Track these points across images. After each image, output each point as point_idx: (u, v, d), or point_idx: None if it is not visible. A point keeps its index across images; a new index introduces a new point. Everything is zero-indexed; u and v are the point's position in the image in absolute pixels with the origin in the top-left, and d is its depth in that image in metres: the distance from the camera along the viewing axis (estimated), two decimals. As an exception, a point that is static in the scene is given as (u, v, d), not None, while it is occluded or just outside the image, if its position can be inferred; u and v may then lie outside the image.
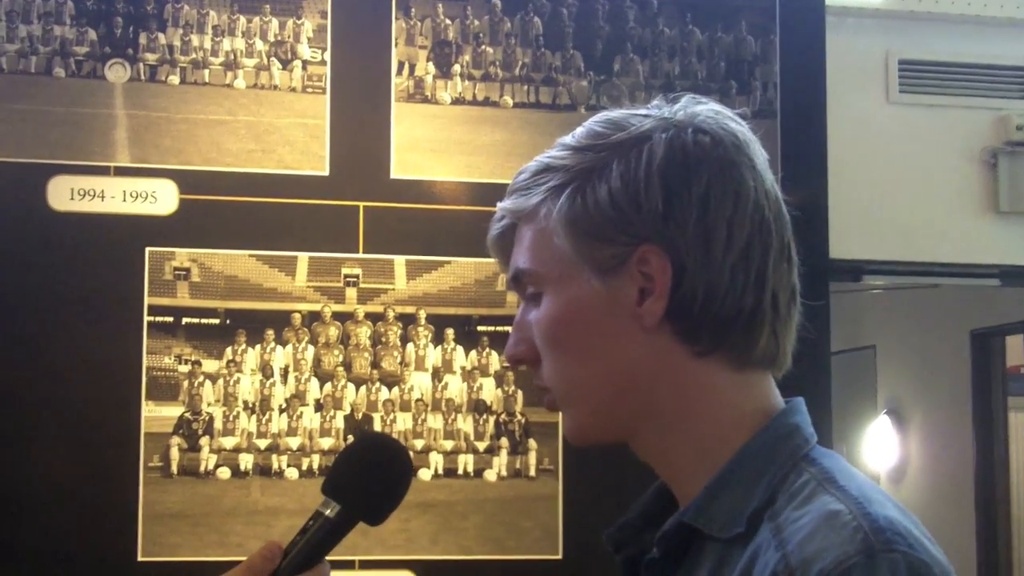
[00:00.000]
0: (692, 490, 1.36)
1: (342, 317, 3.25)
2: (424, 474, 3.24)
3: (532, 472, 3.29)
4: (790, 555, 1.21)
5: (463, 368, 3.29)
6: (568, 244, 1.35)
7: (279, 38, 3.28)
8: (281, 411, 3.21)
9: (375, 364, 3.26)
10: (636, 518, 1.46)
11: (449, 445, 3.27)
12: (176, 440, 3.14)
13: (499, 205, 1.43)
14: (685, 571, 1.34)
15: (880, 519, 1.20)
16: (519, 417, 3.29)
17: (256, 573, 1.42)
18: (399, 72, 3.33)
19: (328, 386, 3.23)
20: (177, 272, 3.16)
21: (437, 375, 3.28)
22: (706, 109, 1.39)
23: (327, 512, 1.43)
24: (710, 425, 1.36)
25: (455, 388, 3.29)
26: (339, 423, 3.22)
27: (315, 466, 3.19)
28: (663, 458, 1.39)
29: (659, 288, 1.32)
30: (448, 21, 3.39)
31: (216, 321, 3.19)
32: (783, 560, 1.21)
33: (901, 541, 1.19)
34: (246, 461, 3.17)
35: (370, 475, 1.47)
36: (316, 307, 3.23)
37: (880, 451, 6.99)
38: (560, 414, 1.43)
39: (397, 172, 3.28)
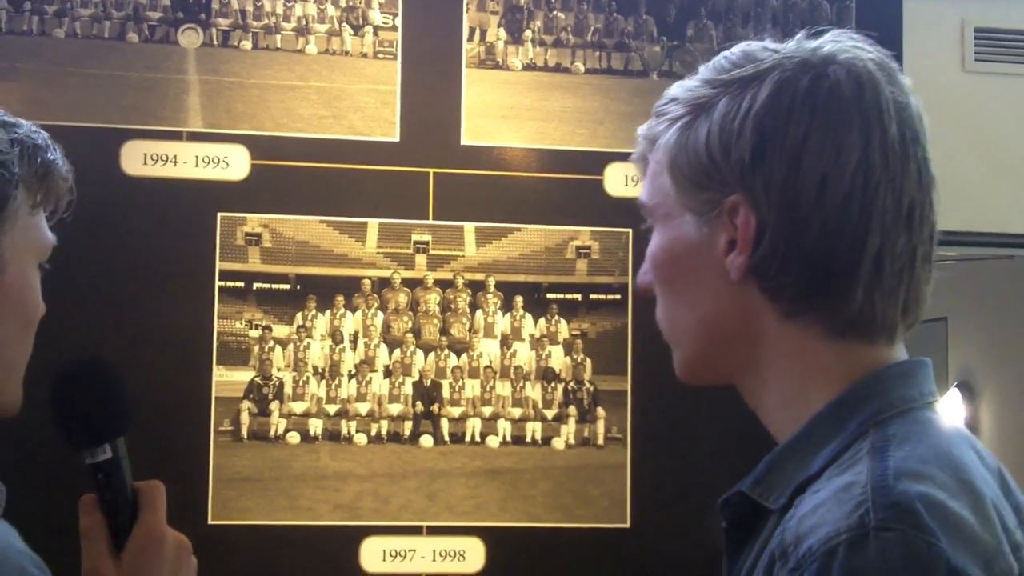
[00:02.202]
0: None
1: (411, 284, 3.24)
2: (492, 441, 3.24)
3: (600, 440, 3.28)
4: (787, 531, 1.15)
5: (532, 336, 3.28)
6: (670, 183, 1.32)
7: (350, 3, 3.27)
8: (350, 377, 3.22)
9: (444, 331, 3.26)
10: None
11: (517, 413, 3.26)
12: (246, 404, 3.15)
13: (639, 129, 1.39)
14: (751, 544, 1.28)
15: (894, 493, 1.11)
16: (587, 385, 3.28)
17: (92, 530, 1.45)
18: (470, 38, 3.32)
19: (397, 352, 3.24)
20: (248, 237, 3.17)
21: (506, 342, 3.28)
22: (846, 47, 1.30)
23: (104, 456, 1.45)
24: (798, 390, 1.29)
25: (524, 356, 3.28)
26: (408, 389, 3.23)
27: (383, 432, 3.20)
28: (761, 410, 1.33)
29: (741, 242, 1.26)
30: (519, -14, 3.37)
31: (287, 287, 3.20)
32: (781, 535, 1.15)
33: (907, 519, 1.08)
34: (315, 426, 3.19)
35: (95, 400, 1.47)
36: (386, 273, 3.23)
37: (949, 423, 6.93)
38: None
39: (467, 138, 3.27)
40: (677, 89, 1.35)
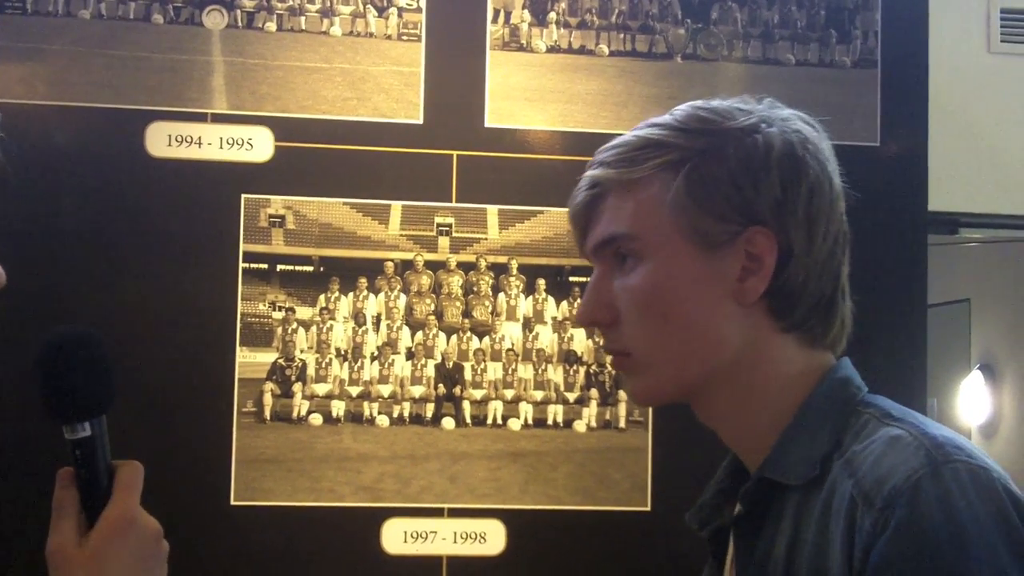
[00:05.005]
0: (758, 449, 1.50)
1: (434, 266, 3.25)
2: (514, 424, 3.24)
3: (622, 423, 3.28)
4: (862, 479, 1.33)
5: (554, 318, 3.29)
6: (682, 217, 1.46)
7: (375, -15, 3.28)
8: (373, 359, 3.22)
9: (466, 313, 3.26)
10: (712, 497, 1.58)
11: (539, 395, 3.27)
12: (269, 386, 3.16)
13: (593, 174, 1.52)
14: (771, 524, 1.45)
15: (938, 437, 1.33)
16: (609, 368, 3.28)
17: (63, 504, 1.45)
18: (494, 20, 3.31)
19: (420, 335, 3.24)
20: (272, 219, 3.18)
21: (528, 325, 3.28)
22: (791, 113, 1.53)
23: (84, 434, 1.45)
24: (778, 391, 1.49)
25: (546, 338, 3.28)
26: (430, 371, 3.23)
27: (406, 414, 3.21)
28: (729, 421, 1.58)
29: (765, 268, 1.45)
30: (544, -32, 3.36)
31: (310, 268, 3.20)
32: (857, 485, 1.33)
33: (960, 453, 1.32)
34: (338, 408, 3.19)
35: (80, 375, 1.46)
36: (409, 256, 3.24)
37: (972, 406, 6.91)
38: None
39: (491, 121, 3.27)
40: (650, 136, 1.50)
